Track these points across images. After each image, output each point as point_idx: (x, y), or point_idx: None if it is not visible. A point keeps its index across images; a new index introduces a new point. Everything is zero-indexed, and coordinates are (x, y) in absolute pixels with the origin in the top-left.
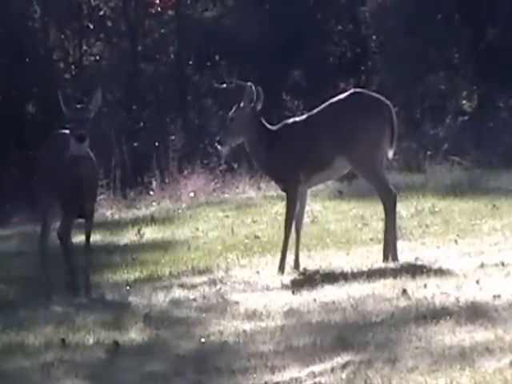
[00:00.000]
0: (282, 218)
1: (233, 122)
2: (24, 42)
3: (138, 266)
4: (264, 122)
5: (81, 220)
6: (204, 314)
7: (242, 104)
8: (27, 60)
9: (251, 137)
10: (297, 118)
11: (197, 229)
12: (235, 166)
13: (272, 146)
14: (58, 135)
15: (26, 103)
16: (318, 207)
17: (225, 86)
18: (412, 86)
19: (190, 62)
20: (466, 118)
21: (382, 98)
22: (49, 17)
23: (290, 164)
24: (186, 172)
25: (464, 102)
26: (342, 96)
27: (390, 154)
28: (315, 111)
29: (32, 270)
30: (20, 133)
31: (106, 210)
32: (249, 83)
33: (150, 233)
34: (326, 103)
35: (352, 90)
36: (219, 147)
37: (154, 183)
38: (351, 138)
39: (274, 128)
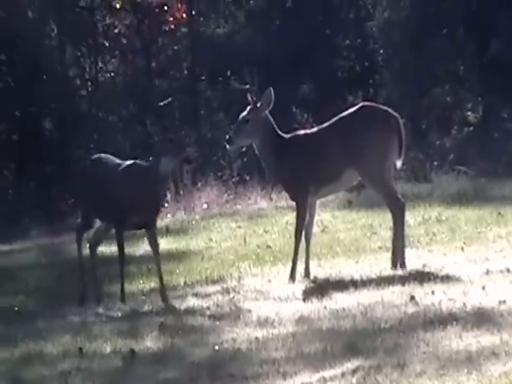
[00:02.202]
0: (292, 228)
1: (248, 124)
2: (41, 59)
3: (153, 276)
4: (276, 127)
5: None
6: (217, 322)
7: (258, 105)
8: (44, 77)
9: (263, 140)
10: (308, 131)
11: (210, 239)
12: (247, 178)
13: (282, 154)
14: (104, 158)
15: (44, 119)
16: (328, 217)
17: (247, 86)
18: (418, 98)
19: (203, 78)
20: (471, 128)
21: (390, 111)
22: (65, 35)
23: (299, 175)
24: (199, 184)
25: (469, 113)
26: (351, 110)
27: (399, 164)
28: (326, 124)
29: (50, 281)
30: (37, 148)
31: None
32: (269, 88)
33: (165, 244)
34: (337, 117)
35: (361, 104)
36: (227, 146)
37: (169, 195)
38: (361, 150)
39: (285, 136)
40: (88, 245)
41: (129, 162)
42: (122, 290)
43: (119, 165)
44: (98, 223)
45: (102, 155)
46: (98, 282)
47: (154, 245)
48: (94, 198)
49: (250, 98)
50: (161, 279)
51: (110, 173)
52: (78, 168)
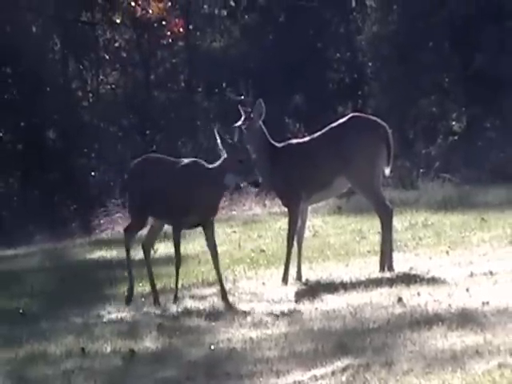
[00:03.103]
0: (285, 233)
1: (242, 133)
2: (45, 72)
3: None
4: (269, 137)
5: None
6: (213, 323)
7: (251, 115)
8: (48, 89)
9: (257, 149)
10: (300, 140)
11: None
12: (242, 185)
13: (275, 162)
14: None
15: (47, 129)
16: (319, 222)
17: (242, 97)
18: (405, 108)
19: (200, 90)
20: (456, 138)
21: (379, 121)
22: (68, 49)
23: (292, 183)
24: None
25: (454, 123)
26: (342, 120)
27: (387, 171)
28: (317, 134)
29: (53, 285)
30: (41, 157)
31: (122, 227)
32: (259, 99)
33: (163, 248)
34: (328, 127)
35: (351, 114)
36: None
37: None
38: (351, 158)
39: (278, 145)
40: (142, 246)
41: (189, 160)
42: (176, 289)
43: (177, 163)
44: (149, 224)
45: (152, 155)
46: (153, 283)
47: (213, 244)
48: (152, 197)
49: (242, 110)
50: (220, 279)
51: (170, 171)
52: (132, 167)
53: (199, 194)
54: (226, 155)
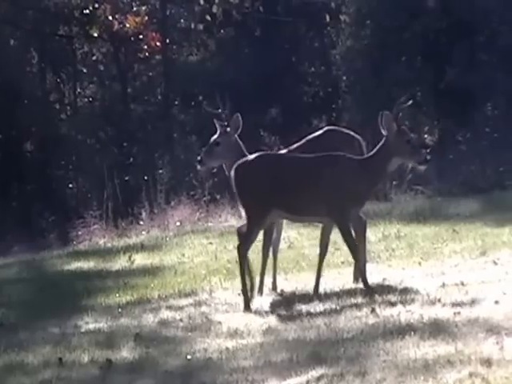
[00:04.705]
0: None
1: (218, 146)
2: (23, 85)
3: (129, 289)
4: (245, 150)
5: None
6: (190, 333)
7: (228, 130)
8: (26, 102)
9: (233, 162)
10: (277, 152)
11: (183, 255)
12: (218, 197)
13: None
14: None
15: (25, 142)
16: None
17: (219, 111)
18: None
19: (176, 103)
20: (428, 151)
21: (353, 133)
22: (45, 62)
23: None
24: (172, 203)
25: (426, 136)
26: (318, 133)
27: None
28: (294, 146)
29: (31, 295)
30: (19, 169)
31: (100, 239)
32: (237, 113)
33: (140, 259)
34: (304, 139)
35: (326, 128)
36: (198, 167)
37: (144, 213)
38: None
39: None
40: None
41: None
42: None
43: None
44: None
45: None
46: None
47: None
48: (296, 193)
49: (217, 124)
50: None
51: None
52: (258, 167)
53: (363, 185)
54: (384, 140)
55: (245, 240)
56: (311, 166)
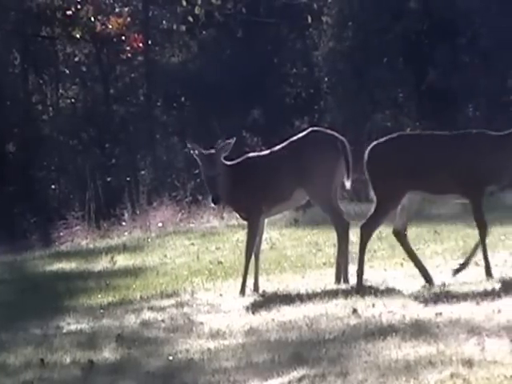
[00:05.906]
0: (242, 245)
1: (220, 176)
2: (5, 86)
3: (111, 290)
4: (223, 160)
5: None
6: (172, 334)
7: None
8: (8, 103)
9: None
10: (260, 153)
11: (165, 256)
12: (200, 198)
13: (234, 179)
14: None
15: (7, 143)
16: (276, 234)
17: (195, 152)
18: (360, 123)
19: (158, 104)
20: None
21: (337, 135)
22: (28, 63)
23: (253, 196)
24: (154, 204)
25: None
26: (301, 134)
27: (348, 184)
28: (277, 147)
29: (13, 296)
30: (1, 170)
31: (82, 240)
32: (233, 139)
33: (122, 260)
34: (287, 141)
35: (310, 129)
36: (214, 204)
37: (126, 214)
38: (310, 171)
39: (233, 162)
40: (395, 232)
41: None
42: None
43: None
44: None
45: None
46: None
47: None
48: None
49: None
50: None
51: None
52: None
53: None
54: None
55: (372, 222)
56: (450, 144)
